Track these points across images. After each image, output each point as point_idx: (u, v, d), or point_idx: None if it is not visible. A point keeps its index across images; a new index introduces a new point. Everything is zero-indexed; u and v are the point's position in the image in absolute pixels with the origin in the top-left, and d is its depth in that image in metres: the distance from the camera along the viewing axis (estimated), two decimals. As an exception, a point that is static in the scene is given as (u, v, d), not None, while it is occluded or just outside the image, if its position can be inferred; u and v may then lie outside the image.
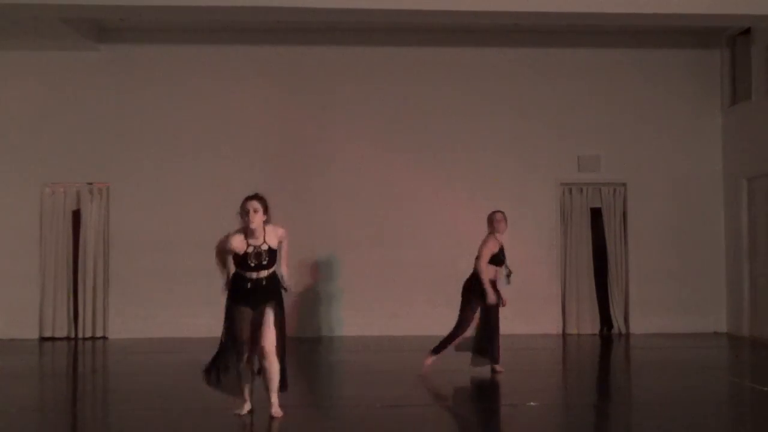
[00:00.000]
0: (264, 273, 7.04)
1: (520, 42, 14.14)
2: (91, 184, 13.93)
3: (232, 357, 6.99)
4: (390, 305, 13.70)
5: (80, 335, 13.72)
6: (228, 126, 13.91)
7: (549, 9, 10.92)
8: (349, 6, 10.76)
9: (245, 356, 7.05)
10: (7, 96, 13.85)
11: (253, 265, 6.98)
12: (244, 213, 7.01)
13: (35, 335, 13.61)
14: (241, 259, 7.00)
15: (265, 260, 7.01)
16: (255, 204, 7.01)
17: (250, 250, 6.99)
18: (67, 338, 13.66)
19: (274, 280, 7.13)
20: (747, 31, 13.60)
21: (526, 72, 14.20)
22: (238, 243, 6.99)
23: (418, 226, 13.82)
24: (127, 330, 13.56)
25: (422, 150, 13.97)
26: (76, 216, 13.93)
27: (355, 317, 13.67)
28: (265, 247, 7.02)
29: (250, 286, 7.02)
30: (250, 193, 7.13)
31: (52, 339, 13.59)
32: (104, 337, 13.71)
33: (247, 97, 13.95)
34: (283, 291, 7.15)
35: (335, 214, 13.88)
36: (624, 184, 14.24)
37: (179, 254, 13.31)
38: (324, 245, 13.78)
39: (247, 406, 7.13)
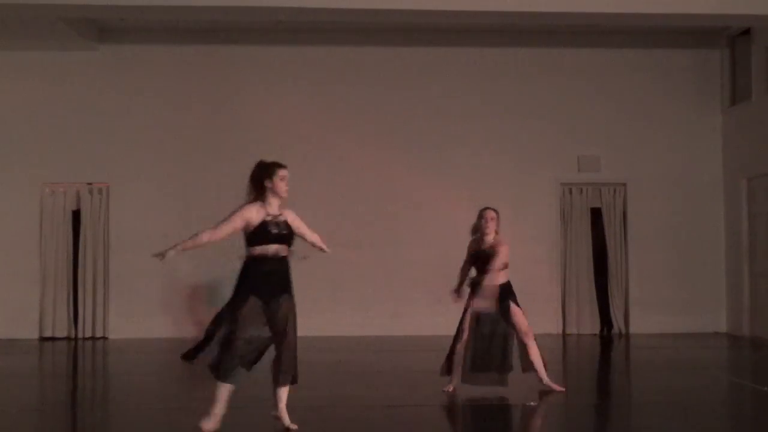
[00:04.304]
0: (284, 249, 6.39)
1: (521, 42, 14.13)
2: (90, 184, 13.93)
3: (231, 352, 6.15)
4: (390, 305, 13.70)
5: (80, 335, 13.72)
6: (226, 125, 13.91)
7: (549, 9, 10.92)
8: (350, 6, 10.75)
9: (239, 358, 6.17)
10: (7, 96, 13.84)
11: (274, 232, 6.29)
12: (279, 180, 6.37)
13: (35, 335, 13.61)
14: (259, 230, 6.29)
15: (285, 230, 6.37)
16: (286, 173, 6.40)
17: (269, 218, 6.33)
18: (67, 338, 13.66)
19: (288, 265, 6.46)
20: (747, 31, 13.61)
21: (526, 72, 14.20)
22: (255, 212, 6.30)
23: (418, 226, 13.82)
24: (127, 330, 13.56)
25: (422, 150, 13.97)
26: (76, 216, 13.94)
27: (356, 317, 13.67)
28: (282, 218, 6.41)
29: (267, 269, 6.26)
30: (278, 161, 6.60)
31: (52, 339, 13.59)
32: (104, 337, 13.72)
33: (247, 97, 13.95)
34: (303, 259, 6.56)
35: (335, 213, 13.85)
36: (624, 184, 14.24)
37: (179, 254, 13.26)
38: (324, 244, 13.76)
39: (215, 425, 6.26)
